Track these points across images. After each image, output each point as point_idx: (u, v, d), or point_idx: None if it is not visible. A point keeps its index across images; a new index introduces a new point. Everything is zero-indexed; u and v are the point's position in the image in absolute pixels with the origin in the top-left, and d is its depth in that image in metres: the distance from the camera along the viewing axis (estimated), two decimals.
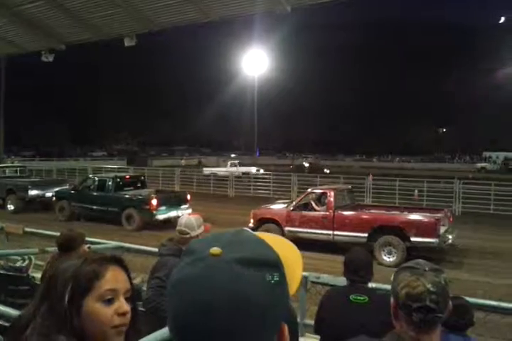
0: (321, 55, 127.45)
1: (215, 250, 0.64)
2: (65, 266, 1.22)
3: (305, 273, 3.81)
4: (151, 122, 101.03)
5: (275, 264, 0.66)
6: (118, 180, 15.53)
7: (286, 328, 0.69)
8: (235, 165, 35.77)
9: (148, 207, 13.88)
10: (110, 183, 15.17)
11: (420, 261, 1.57)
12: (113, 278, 1.20)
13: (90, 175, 18.55)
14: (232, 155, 78.43)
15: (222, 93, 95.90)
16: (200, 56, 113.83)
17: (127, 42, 11.57)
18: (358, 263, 2.79)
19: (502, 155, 58.97)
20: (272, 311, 0.63)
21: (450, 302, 1.49)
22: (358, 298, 2.68)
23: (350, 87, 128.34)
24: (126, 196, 14.89)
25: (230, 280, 0.61)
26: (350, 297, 2.70)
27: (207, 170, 32.84)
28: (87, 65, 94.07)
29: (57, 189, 17.01)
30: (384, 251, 10.04)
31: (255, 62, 67.36)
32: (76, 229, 3.52)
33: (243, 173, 30.70)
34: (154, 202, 13.91)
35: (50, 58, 12.95)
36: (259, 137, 73.64)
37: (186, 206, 14.83)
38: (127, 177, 16.58)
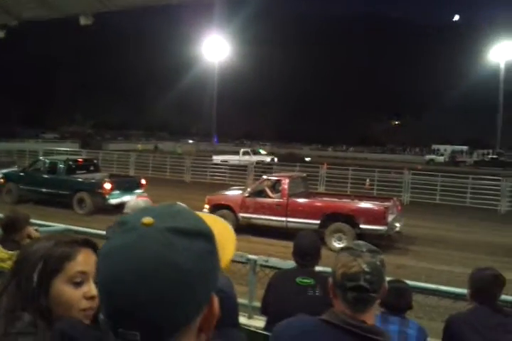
0: (282, 44, 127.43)
1: (147, 219, 0.64)
2: (36, 247, 1.20)
3: (254, 257, 3.90)
4: (107, 105, 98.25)
5: (206, 235, 0.67)
6: (70, 162, 15.10)
7: (216, 300, 0.69)
8: (248, 154, 34.12)
9: (100, 190, 13.59)
10: (62, 166, 14.72)
11: (360, 242, 1.64)
12: (84, 261, 1.19)
13: (41, 157, 17.89)
14: (190, 141, 77.67)
15: (182, 78, 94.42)
16: (160, 40, 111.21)
17: (83, 21, 11.13)
18: (306, 247, 2.86)
19: (450, 148, 61.69)
20: (202, 281, 0.63)
21: (386, 283, 1.56)
22: (305, 280, 2.75)
23: (311, 76, 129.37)
24: (79, 179, 14.52)
25: (161, 248, 0.61)
26: (297, 279, 2.77)
27: (216, 158, 31.19)
28: (41, 43, 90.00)
29: (4, 171, 16.33)
30: (334, 237, 10.33)
31: (216, 48, 66.54)
32: (20, 211, 3.42)
33: (257, 162, 28.86)
34: (107, 186, 13.63)
35: (1, 34, 12.30)
36: (218, 124, 73.16)
37: (141, 191, 14.62)
38: (80, 160, 16.14)
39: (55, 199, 14.51)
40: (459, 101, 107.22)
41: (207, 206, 11.83)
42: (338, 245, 10.24)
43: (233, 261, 4.11)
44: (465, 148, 62.16)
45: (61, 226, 5.13)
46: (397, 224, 10.83)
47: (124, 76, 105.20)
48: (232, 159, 30.49)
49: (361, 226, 10.26)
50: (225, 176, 22.99)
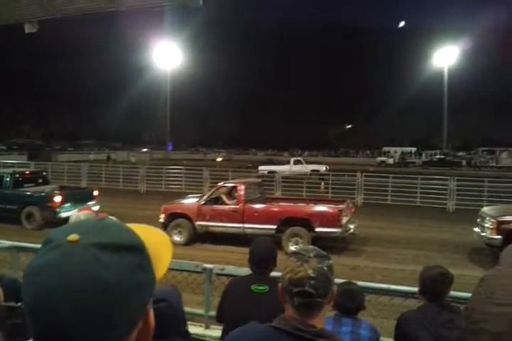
0: (235, 50, 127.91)
1: (73, 236, 0.62)
2: None
3: (209, 266, 3.88)
4: (57, 115, 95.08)
5: (137, 248, 0.66)
6: (17, 175, 14.48)
7: (151, 313, 0.69)
8: (301, 163, 31.70)
9: (50, 204, 13.11)
10: (8, 179, 14.09)
11: (309, 247, 1.67)
12: None
13: None
14: (144, 150, 76.37)
15: (133, 86, 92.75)
16: (110, 47, 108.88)
17: (28, 29, 10.76)
18: (260, 254, 2.87)
19: (399, 150, 63.90)
20: (134, 295, 0.62)
21: (334, 288, 1.59)
22: (259, 287, 2.75)
23: (264, 82, 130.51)
24: (27, 193, 13.95)
25: (86, 264, 0.60)
26: (252, 287, 2.77)
27: (263, 169, 29.18)
28: None
29: None
30: (291, 241, 10.45)
31: (168, 56, 66.00)
32: None
33: (312, 171, 27.14)
34: (57, 198, 13.18)
35: None
36: (171, 131, 72.43)
37: (93, 202, 14.24)
38: (27, 172, 15.53)
39: (2, 214, 13.87)
40: (407, 104, 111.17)
41: (162, 215, 11.67)
42: (295, 249, 10.35)
43: (189, 271, 4.09)
44: (414, 149, 64.54)
45: (7, 243, 4.91)
46: (351, 226, 11.08)
47: (73, 84, 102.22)
48: (282, 170, 28.49)
49: (317, 229, 10.43)
50: (181, 184, 22.76)
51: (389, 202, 18.89)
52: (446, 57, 66.73)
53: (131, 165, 31.24)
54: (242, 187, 11.42)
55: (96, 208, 13.38)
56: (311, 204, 11.86)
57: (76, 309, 0.57)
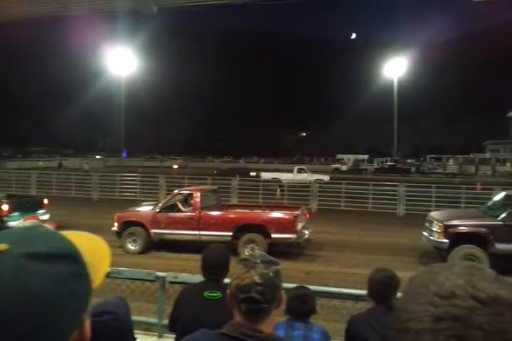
0: (192, 58, 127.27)
1: (1, 246, 0.59)
2: None
3: (162, 274, 3.84)
4: (5, 121, 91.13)
5: (71, 257, 0.64)
6: None
7: (88, 324, 0.67)
8: (305, 172, 31.42)
9: None
10: None
11: (257, 253, 1.68)
12: None
13: None
14: (98, 157, 74.42)
15: (87, 92, 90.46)
16: (61, 52, 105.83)
17: None
18: (212, 260, 2.87)
19: (352, 157, 65.55)
20: (66, 305, 0.60)
21: (282, 293, 1.60)
22: (212, 294, 2.74)
23: (221, 90, 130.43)
24: None
25: (15, 275, 0.57)
26: (205, 294, 2.76)
27: (266, 176, 28.87)
28: None
29: None
30: (247, 248, 10.47)
31: (123, 62, 64.85)
32: None
33: (316, 181, 25.64)
34: (4, 207, 12.59)
35: None
36: (126, 138, 71.03)
37: (43, 211, 13.71)
38: None
39: None
40: (361, 113, 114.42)
41: (116, 224, 11.42)
42: None
43: (141, 279, 4.03)
44: (366, 156, 66.31)
45: None
46: (306, 232, 11.25)
47: (23, 90, 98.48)
48: (285, 177, 28.31)
49: (272, 235, 10.52)
50: (136, 192, 22.34)
51: (342, 208, 19.33)
52: (395, 68, 69.24)
53: (83, 173, 30.35)
54: (198, 194, 11.38)
55: (46, 217, 12.92)
56: (266, 211, 11.95)
57: (4, 321, 0.55)
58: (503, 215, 9.41)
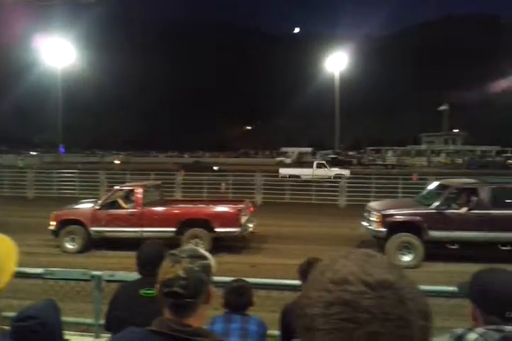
0: (133, 50, 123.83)
1: None
2: None
3: (98, 273, 3.72)
4: None
5: None
6: None
7: None
8: (324, 167, 29.63)
9: None
10: None
11: (186, 248, 1.67)
12: None
13: None
14: (33, 153, 71.03)
15: (19, 86, 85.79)
16: None
17: None
18: (147, 257, 2.81)
19: (296, 150, 66.73)
20: None
21: (210, 287, 1.59)
22: (148, 291, 2.69)
23: (164, 83, 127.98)
24: None
25: None
26: (141, 291, 2.70)
27: (284, 173, 27.16)
28: None
29: None
30: (191, 243, 10.36)
31: (60, 53, 61.91)
32: None
33: (336, 175, 25.25)
34: None
35: None
36: (64, 133, 68.14)
37: None
38: None
39: None
40: (303, 107, 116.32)
41: (53, 223, 10.95)
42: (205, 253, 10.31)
43: (76, 279, 3.88)
44: (309, 149, 67.69)
45: None
46: (250, 225, 11.31)
47: None
48: (305, 173, 27.18)
49: (217, 229, 10.49)
50: (75, 189, 21.52)
51: (287, 201, 19.61)
52: (336, 62, 70.82)
53: (18, 170, 28.84)
54: (140, 190, 11.12)
55: None
56: (210, 205, 11.89)
57: None
58: (436, 204, 9.89)
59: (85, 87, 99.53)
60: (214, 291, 1.62)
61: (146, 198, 11.34)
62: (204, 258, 1.61)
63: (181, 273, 1.51)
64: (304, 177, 25.93)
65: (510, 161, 54.84)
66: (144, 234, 10.72)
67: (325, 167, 30.28)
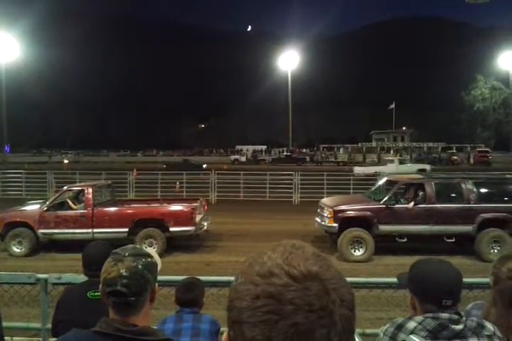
0: (84, 45, 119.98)
1: None
2: None
3: (43, 276, 3.60)
4: None
5: None
6: None
7: None
8: (407, 163, 29.46)
9: None
10: None
11: (128, 246, 1.65)
12: None
13: None
14: None
15: None
16: None
17: None
18: (92, 257, 2.74)
19: (251, 148, 66.99)
20: None
21: (155, 286, 1.59)
22: (95, 293, 2.64)
23: (115, 81, 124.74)
24: None
25: None
26: (88, 293, 2.64)
27: (360, 170, 26.77)
28: None
29: None
30: (145, 243, 10.22)
31: (3, 49, 59.01)
32: None
33: (418, 171, 24.63)
34: None
35: None
36: (9, 132, 65.08)
37: None
38: None
39: None
40: (256, 105, 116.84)
41: None
42: (149, 251, 10.16)
43: (21, 283, 3.75)
44: (264, 147, 68.15)
45: None
46: (205, 223, 11.27)
47: None
48: (388, 170, 25.78)
49: (171, 229, 10.38)
50: (21, 190, 20.65)
51: (241, 198, 19.67)
52: (289, 60, 71.53)
53: None
54: (90, 190, 10.82)
55: None
56: (164, 204, 11.75)
57: None
58: (385, 199, 10.25)
59: (31, 84, 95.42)
60: (158, 289, 1.62)
61: (97, 198, 11.06)
62: (148, 256, 1.60)
63: (124, 271, 1.50)
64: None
65: (454, 157, 57.43)
66: (96, 235, 10.45)
67: (407, 163, 30.61)
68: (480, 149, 61.58)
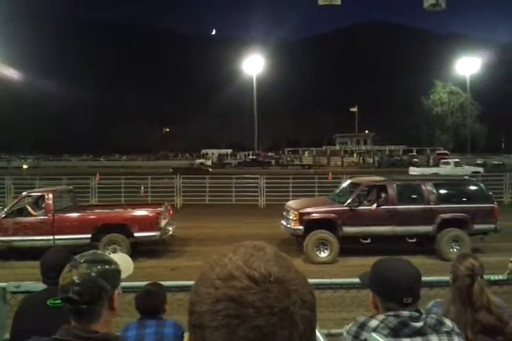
0: (44, 44, 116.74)
1: None
2: None
3: (3, 284, 3.47)
4: None
5: None
6: None
7: None
8: (462, 165, 30.43)
9: None
10: None
11: (89, 252, 1.62)
12: None
13: None
14: None
15: None
16: None
17: None
18: (50, 264, 2.67)
19: (217, 151, 66.86)
20: None
21: (117, 292, 1.56)
22: (55, 301, 2.57)
23: (77, 84, 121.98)
24: None
25: None
26: (48, 301, 2.57)
27: (415, 170, 27.98)
28: None
29: None
30: (109, 249, 10.00)
31: None
32: None
33: (472, 173, 25.84)
34: None
35: None
36: None
37: None
38: None
39: None
40: (222, 109, 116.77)
41: None
42: (119, 256, 9.96)
43: None
44: (230, 151, 68.12)
45: None
46: (170, 228, 11.15)
47: None
48: (443, 172, 27.91)
49: (135, 234, 10.21)
50: None
51: (207, 202, 19.57)
52: (254, 65, 71.84)
53: None
54: (50, 195, 10.51)
55: None
56: (128, 210, 11.55)
57: None
58: (349, 201, 10.42)
59: None
60: (119, 296, 1.59)
61: (58, 204, 10.76)
62: (106, 263, 1.57)
63: (76, 278, 1.47)
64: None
65: (415, 159, 59.06)
66: (57, 242, 10.16)
67: (462, 165, 31.81)
68: (439, 152, 63.57)
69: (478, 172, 29.44)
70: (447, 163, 32.96)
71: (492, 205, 10.64)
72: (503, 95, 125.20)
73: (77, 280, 1.47)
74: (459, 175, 17.78)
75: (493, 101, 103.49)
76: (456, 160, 34.49)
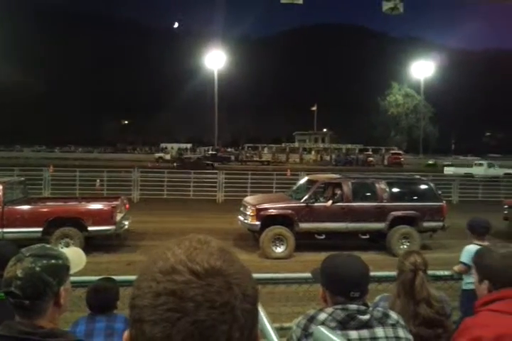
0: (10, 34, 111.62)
1: None
2: None
3: None
4: None
5: None
6: None
7: None
8: (494, 166, 31.41)
9: None
10: None
11: (36, 246, 1.57)
12: None
13: None
14: None
15: None
16: None
17: None
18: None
19: (176, 146, 66.15)
20: None
21: (61, 288, 1.51)
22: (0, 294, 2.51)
23: (35, 74, 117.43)
24: None
25: None
26: None
27: (450, 171, 29.07)
28: None
29: None
30: (61, 243, 9.75)
31: None
32: None
33: (505, 175, 27.65)
34: None
35: None
36: None
37: None
38: None
39: None
40: (182, 103, 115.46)
41: None
42: (71, 250, 9.71)
43: None
44: (189, 145, 67.55)
45: None
46: (126, 222, 10.98)
47: None
48: (476, 172, 29.15)
49: (89, 228, 9.99)
50: None
51: (165, 197, 19.36)
52: (216, 60, 71.44)
53: None
54: (0, 187, 10.11)
55: None
56: (82, 203, 11.27)
57: None
58: (305, 197, 10.60)
59: None
60: (63, 291, 1.53)
61: (8, 196, 10.35)
62: (53, 258, 1.51)
63: (19, 272, 1.44)
64: (477, 177, 27.86)
65: (370, 158, 60.60)
66: (6, 235, 9.79)
67: (494, 166, 32.75)
68: (393, 151, 65.55)
69: (510, 174, 31.08)
70: (481, 165, 33.55)
71: (441, 204, 11.10)
72: (455, 98, 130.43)
73: (20, 275, 1.43)
74: (409, 174, 18.52)
75: (445, 105, 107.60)
76: (490, 162, 34.96)
